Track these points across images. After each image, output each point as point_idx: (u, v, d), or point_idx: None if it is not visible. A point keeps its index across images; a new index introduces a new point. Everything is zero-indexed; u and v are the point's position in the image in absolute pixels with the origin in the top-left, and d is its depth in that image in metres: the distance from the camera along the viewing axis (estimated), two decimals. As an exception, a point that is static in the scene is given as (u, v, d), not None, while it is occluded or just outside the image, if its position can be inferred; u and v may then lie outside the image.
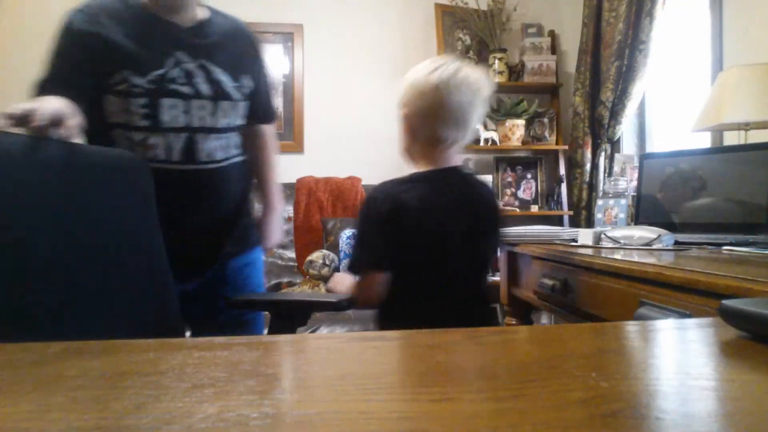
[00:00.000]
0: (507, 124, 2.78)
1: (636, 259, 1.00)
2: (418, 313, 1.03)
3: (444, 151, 1.07)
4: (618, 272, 0.95)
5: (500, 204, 1.17)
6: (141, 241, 0.92)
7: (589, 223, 2.62)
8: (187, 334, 1.16)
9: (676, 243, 1.26)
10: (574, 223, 2.79)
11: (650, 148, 2.64)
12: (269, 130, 1.31)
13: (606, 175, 2.60)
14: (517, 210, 2.86)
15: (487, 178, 2.91)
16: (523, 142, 2.83)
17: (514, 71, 2.95)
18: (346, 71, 2.95)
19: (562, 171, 2.90)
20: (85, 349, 0.37)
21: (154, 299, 0.93)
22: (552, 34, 3.03)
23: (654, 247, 1.20)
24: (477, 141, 2.81)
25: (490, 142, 2.77)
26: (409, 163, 1.13)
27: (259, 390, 0.28)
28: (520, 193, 2.99)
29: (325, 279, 2.38)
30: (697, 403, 0.27)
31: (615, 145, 2.65)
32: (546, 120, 2.95)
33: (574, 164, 2.78)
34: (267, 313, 1.22)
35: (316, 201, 2.73)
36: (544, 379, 0.30)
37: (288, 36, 2.86)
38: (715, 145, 1.94)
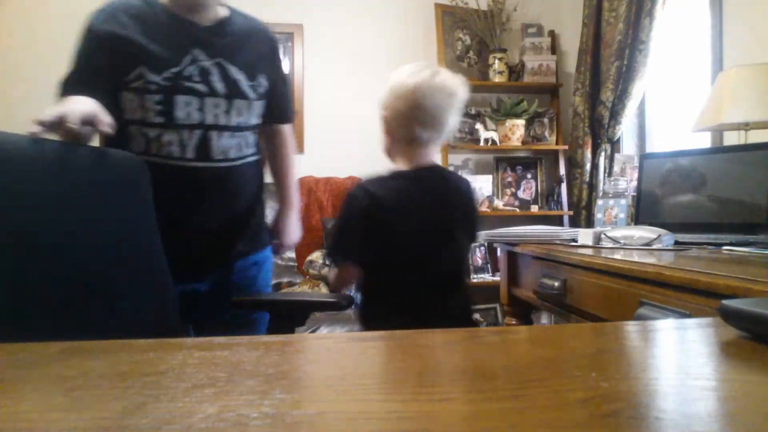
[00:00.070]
0: (507, 124, 2.78)
1: (636, 259, 1.00)
2: (397, 305, 1.08)
3: (421, 150, 1.13)
4: (618, 272, 0.95)
5: (477, 199, 1.23)
6: (140, 241, 0.92)
7: (589, 223, 2.62)
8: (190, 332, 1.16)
9: (676, 243, 1.26)
10: (574, 223, 2.79)
11: (650, 148, 2.64)
12: (287, 130, 1.33)
13: (606, 175, 2.59)
14: (517, 210, 2.86)
15: (487, 178, 2.91)
16: (523, 142, 2.83)
17: (514, 71, 2.95)
18: (345, 71, 2.95)
19: (562, 171, 2.90)
20: (85, 349, 0.37)
21: (154, 299, 0.93)
22: (552, 34, 3.03)
23: (654, 247, 1.20)
24: (477, 141, 2.81)
25: (490, 142, 2.77)
26: (390, 162, 1.18)
27: (259, 390, 0.28)
28: (520, 193, 2.99)
29: (325, 279, 2.38)
30: (697, 403, 0.27)
31: (615, 145, 2.65)
32: (546, 120, 2.95)
33: (574, 164, 2.78)
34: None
35: (316, 201, 2.73)
36: (544, 379, 0.30)
37: (288, 36, 2.86)
38: (715, 145, 1.94)
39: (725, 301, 0.39)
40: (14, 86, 2.67)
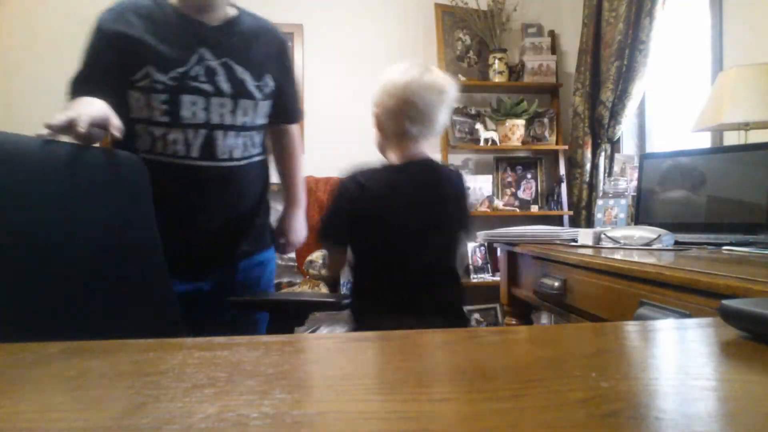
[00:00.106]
0: (507, 124, 2.78)
1: (636, 259, 1.00)
2: (385, 297, 1.12)
3: (411, 144, 1.16)
4: (618, 272, 0.95)
5: (469, 191, 1.26)
6: (139, 241, 0.92)
7: (589, 223, 2.62)
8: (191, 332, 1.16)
9: (676, 243, 1.26)
10: (574, 223, 2.79)
11: (650, 148, 2.64)
12: (295, 129, 1.34)
13: (606, 175, 2.59)
14: (517, 210, 2.86)
15: (487, 178, 2.91)
16: (523, 142, 2.83)
17: (514, 71, 2.95)
18: (345, 71, 2.95)
19: (562, 171, 2.90)
20: (85, 349, 0.37)
21: (153, 298, 0.93)
22: (552, 34, 3.03)
23: (654, 247, 1.20)
24: (477, 141, 2.81)
25: (490, 142, 2.77)
26: (383, 158, 1.22)
27: (259, 390, 0.28)
28: (520, 193, 2.99)
29: (325, 279, 2.38)
30: (697, 403, 0.27)
31: (615, 145, 2.65)
32: (546, 120, 2.95)
33: (574, 164, 2.78)
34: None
35: (316, 201, 2.73)
36: (544, 379, 0.30)
37: (288, 36, 2.86)
38: (715, 145, 1.94)
39: (725, 301, 0.39)
40: (14, 86, 2.67)
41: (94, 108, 0.86)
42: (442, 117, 1.16)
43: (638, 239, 1.24)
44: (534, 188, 3.00)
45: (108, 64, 1.04)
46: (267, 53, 1.18)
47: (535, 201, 2.98)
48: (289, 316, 1.13)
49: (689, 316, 0.75)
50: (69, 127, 0.79)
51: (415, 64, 1.15)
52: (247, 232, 1.20)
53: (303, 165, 1.38)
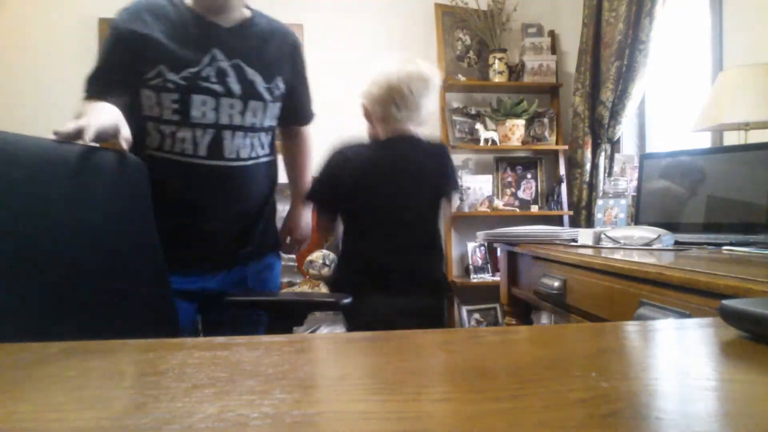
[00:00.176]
0: (507, 124, 2.78)
1: (636, 259, 1.00)
2: (363, 266, 1.19)
3: (397, 126, 1.22)
4: (618, 272, 0.95)
5: (453, 162, 1.35)
6: (138, 241, 0.92)
7: (589, 223, 2.62)
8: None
9: (676, 243, 1.26)
10: (574, 223, 2.79)
11: (650, 148, 2.64)
12: (307, 130, 1.36)
13: (606, 175, 2.59)
14: (517, 210, 2.86)
15: (487, 178, 2.91)
16: (523, 142, 2.83)
17: (514, 71, 2.95)
18: (345, 71, 2.95)
19: (562, 171, 2.90)
20: (85, 349, 0.37)
21: (151, 298, 0.93)
22: (552, 34, 3.03)
23: (654, 247, 1.20)
24: (477, 141, 2.81)
25: (490, 142, 2.77)
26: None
27: (259, 390, 0.28)
28: (520, 193, 2.99)
29: (325, 279, 2.38)
30: (697, 403, 0.27)
31: (615, 145, 2.65)
32: (546, 120, 2.95)
33: (574, 164, 2.78)
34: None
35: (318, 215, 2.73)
36: (544, 379, 0.30)
37: (288, 36, 2.86)
38: (715, 145, 1.94)
39: (725, 301, 0.39)
40: (14, 86, 2.67)
41: (104, 118, 0.88)
42: (428, 104, 1.23)
43: (638, 239, 1.24)
44: (534, 188, 3.00)
45: (122, 62, 1.06)
46: (279, 55, 1.19)
47: (535, 201, 2.98)
48: (288, 316, 1.13)
49: (689, 316, 0.75)
50: (76, 136, 0.81)
51: (401, 59, 1.24)
52: (252, 232, 1.21)
53: (312, 166, 1.39)
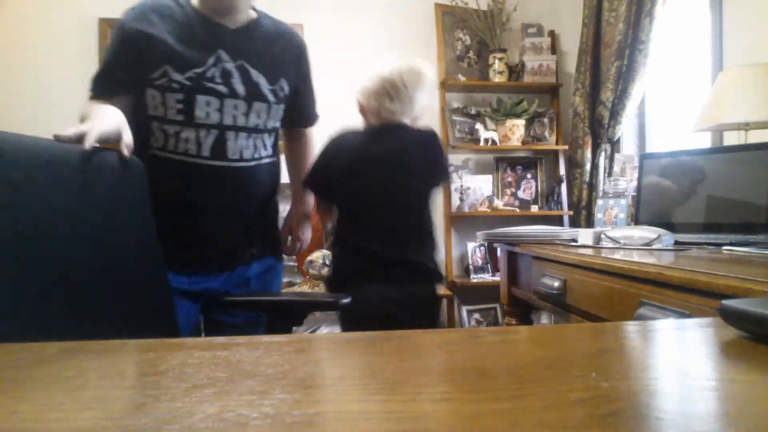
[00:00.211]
0: (507, 124, 2.78)
1: (636, 259, 1.00)
2: (357, 246, 1.22)
3: (390, 117, 1.25)
4: (618, 272, 0.95)
5: (443, 150, 1.35)
6: (136, 241, 0.92)
7: (589, 223, 2.62)
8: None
9: (676, 243, 1.26)
10: (574, 223, 2.79)
11: (650, 148, 2.64)
12: (309, 132, 1.37)
13: (606, 175, 2.59)
14: (517, 210, 2.86)
15: (487, 178, 2.91)
16: (523, 142, 2.83)
17: (514, 71, 2.95)
18: (345, 71, 2.95)
19: (562, 171, 2.90)
20: (85, 349, 0.37)
21: (150, 298, 0.93)
22: (552, 34, 3.03)
23: (654, 247, 1.20)
24: (477, 141, 2.81)
25: (490, 142, 2.77)
26: None
27: (259, 390, 0.28)
28: (520, 193, 2.99)
29: (325, 279, 2.38)
30: (697, 403, 0.27)
31: (615, 145, 2.65)
32: (546, 120, 2.95)
33: (574, 164, 2.78)
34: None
35: (317, 200, 2.73)
36: (544, 379, 0.30)
37: (288, 36, 2.86)
38: (715, 145, 1.94)
39: (725, 301, 0.39)
40: (14, 86, 2.67)
41: (107, 123, 0.89)
42: (422, 98, 1.26)
43: (638, 239, 1.24)
44: (534, 188, 3.00)
45: (128, 62, 1.06)
46: (284, 57, 1.20)
47: (535, 201, 2.98)
48: (287, 316, 1.13)
49: (689, 316, 0.75)
50: (77, 141, 0.82)
51: (396, 57, 1.29)
52: (255, 233, 1.22)
53: None
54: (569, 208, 2.83)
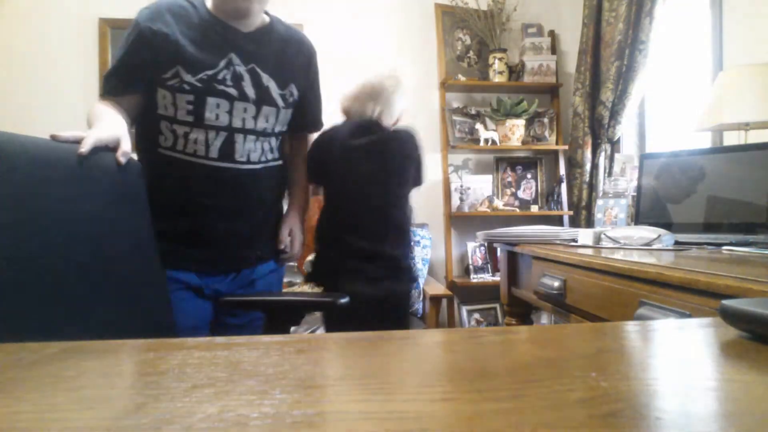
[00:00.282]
0: (507, 124, 2.78)
1: (636, 259, 1.00)
2: (338, 231, 1.27)
3: (372, 119, 1.31)
4: (618, 272, 0.95)
5: (421, 149, 1.39)
6: (134, 240, 0.92)
7: (589, 223, 2.62)
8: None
9: (676, 243, 1.26)
10: (574, 223, 2.79)
11: (650, 148, 2.64)
12: (311, 137, 1.37)
13: (606, 175, 2.60)
14: (517, 210, 2.86)
15: (487, 178, 2.91)
16: (523, 142, 2.83)
17: (514, 71, 2.95)
18: (345, 71, 2.95)
19: (562, 171, 2.91)
20: (85, 349, 0.37)
21: (147, 296, 0.93)
22: (552, 34, 3.03)
23: (654, 247, 1.20)
24: (477, 141, 2.81)
25: (490, 142, 2.78)
26: None
27: (259, 390, 0.28)
28: (520, 193, 2.99)
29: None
30: (697, 403, 0.27)
31: (615, 145, 2.65)
32: (546, 120, 2.95)
33: (574, 164, 2.78)
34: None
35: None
36: (544, 379, 0.30)
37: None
38: (715, 145, 1.94)
39: (725, 301, 0.39)
40: (14, 86, 2.66)
41: (105, 131, 0.89)
42: (400, 101, 1.34)
43: (638, 239, 1.24)
44: (534, 188, 3.00)
45: (141, 61, 1.06)
46: (294, 63, 1.21)
47: (535, 201, 2.98)
48: (284, 316, 1.14)
49: (689, 316, 0.75)
50: (74, 141, 0.82)
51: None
52: (261, 235, 1.22)
53: None
54: (569, 208, 2.83)
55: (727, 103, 1.55)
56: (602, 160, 2.62)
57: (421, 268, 2.57)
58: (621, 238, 1.28)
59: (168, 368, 0.32)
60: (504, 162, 3.00)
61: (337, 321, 1.24)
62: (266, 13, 1.20)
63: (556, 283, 1.22)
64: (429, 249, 2.69)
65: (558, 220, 2.91)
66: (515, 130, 2.79)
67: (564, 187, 2.86)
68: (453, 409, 0.26)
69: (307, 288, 2.41)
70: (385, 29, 2.96)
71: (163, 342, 0.39)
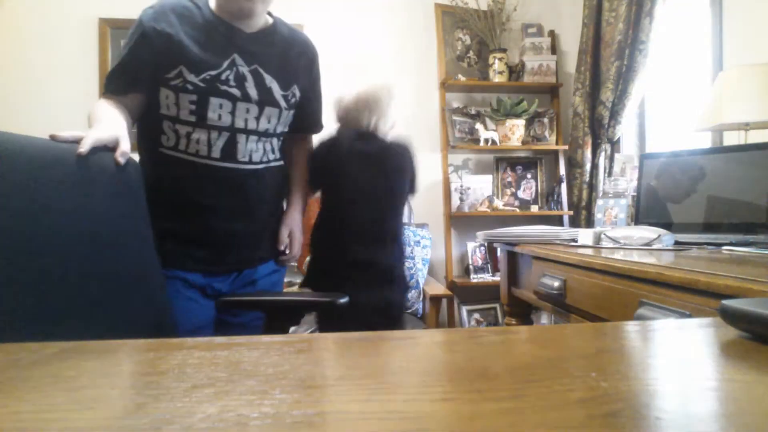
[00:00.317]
0: (507, 124, 2.78)
1: (636, 259, 1.00)
2: (335, 238, 1.28)
3: (368, 130, 1.32)
4: (618, 272, 0.95)
5: (416, 165, 1.41)
6: (133, 240, 0.92)
7: (589, 223, 2.62)
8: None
9: (676, 243, 1.26)
10: (574, 223, 2.79)
11: (650, 148, 2.64)
12: (311, 139, 1.38)
13: (606, 175, 2.60)
14: (517, 210, 2.86)
15: (487, 178, 2.91)
16: (523, 142, 2.83)
17: (514, 71, 2.95)
18: (345, 71, 2.95)
19: (562, 171, 2.91)
20: (85, 349, 0.37)
21: (145, 299, 0.93)
22: (552, 34, 3.03)
23: (654, 247, 1.20)
24: (477, 141, 2.81)
25: (490, 142, 2.78)
26: None
27: (259, 390, 0.28)
28: (520, 193, 2.99)
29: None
30: (697, 403, 0.27)
31: (615, 145, 2.65)
32: (546, 120, 2.95)
33: (574, 164, 2.78)
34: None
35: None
36: (544, 379, 0.30)
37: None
38: (715, 145, 1.94)
39: (725, 301, 0.39)
40: (13, 86, 2.67)
41: (104, 132, 0.89)
42: (391, 113, 1.35)
43: (638, 239, 1.24)
44: (534, 188, 3.00)
45: (145, 60, 1.06)
46: (297, 64, 1.21)
47: (535, 201, 2.98)
48: (283, 316, 1.14)
49: (689, 316, 0.75)
50: (72, 141, 0.82)
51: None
52: (262, 235, 1.23)
53: None
54: (569, 208, 2.83)
55: (727, 103, 1.55)
56: (602, 160, 2.62)
57: (421, 268, 2.57)
58: (621, 238, 1.28)
59: (168, 368, 0.32)
60: (504, 162, 3.01)
61: (329, 327, 1.24)
62: (269, 14, 1.20)
63: (556, 283, 1.22)
64: (429, 249, 2.69)
65: (558, 220, 2.91)
66: (515, 130, 2.79)
67: (564, 187, 2.86)
68: (453, 409, 0.26)
69: (307, 288, 2.41)
70: (385, 29, 2.96)
71: (163, 342, 0.39)
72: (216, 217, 1.13)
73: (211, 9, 1.11)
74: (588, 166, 2.70)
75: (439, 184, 2.93)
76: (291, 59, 1.19)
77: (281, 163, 1.24)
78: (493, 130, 2.83)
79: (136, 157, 1.01)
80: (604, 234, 1.33)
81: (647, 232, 1.24)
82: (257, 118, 1.13)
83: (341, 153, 1.29)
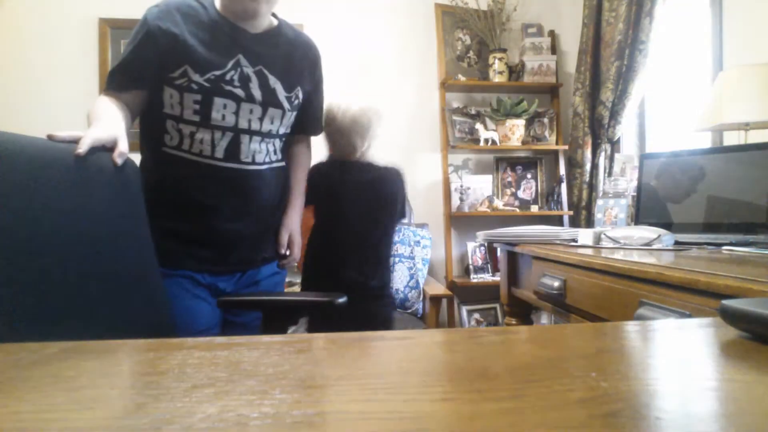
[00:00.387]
0: (507, 124, 2.78)
1: (636, 259, 1.00)
2: (328, 258, 1.32)
3: (356, 155, 1.36)
4: (618, 272, 0.95)
5: (405, 190, 1.45)
6: (132, 239, 0.92)
7: (589, 223, 2.62)
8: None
9: (676, 243, 1.26)
10: (574, 223, 2.79)
11: (650, 148, 2.64)
12: (310, 140, 1.39)
13: (606, 175, 2.60)
14: (517, 210, 2.86)
15: (487, 178, 2.92)
16: (523, 142, 2.83)
17: (514, 71, 2.95)
18: (345, 71, 2.96)
19: (562, 171, 2.91)
20: (85, 349, 0.37)
21: (144, 294, 0.93)
22: (552, 34, 3.03)
23: (654, 247, 1.20)
24: (477, 141, 2.81)
25: (490, 142, 2.78)
26: None
27: (259, 390, 0.28)
28: (520, 193, 2.99)
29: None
30: (697, 403, 0.27)
31: (615, 145, 2.65)
32: (546, 120, 2.95)
33: (574, 164, 2.78)
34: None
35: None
36: (544, 379, 0.30)
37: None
38: (715, 145, 1.94)
39: (725, 301, 0.39)
40: (13, 86, 2.67)
41: (103, 131, 0.89)
42: (377, 133, 1.39)
43: (638, 239, 1.24)
44: (534, 188, 3.00)
45: (148, 58, 1.06)
46: (301, 66, 1.21)
47: (535, 201, 2.98)
48: (282, 316, 1.14)
49: (689, 316, 0.75)
50: (70, 141, 0.82)
51: (346, 99, 1.39)
52: (265, 236, 1.23)
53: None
54: (569, 208, 2.83)
55: (727, 103, 1.55)
56: (602, 160, 2.62)
57: (421, 268, 2.57)
58: (621, 238, 1.28)
59: (168, 368, 0.32)
60: (504, 162, 3.01)
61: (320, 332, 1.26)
62: (274, 15, 1.20)
63: (556, 283, 1.22)
64: (429, 249, 2.69)
65: (558, 220, 2.91)
66: (515, 130, 2.79)
67: (564, 187, 2.87)
68: (453, 409, 0.26)
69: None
70: (386, 29, 2.96)
71: (163, 342, 0.39)
72: (218, 217, 1.13)
73: (217, 9, 1.11)
74: (588, 166, 2.70)
75: (439, 184, 2.93)
76: (295, 61, 1.19)
77: (283, 164, 1.25)
78: (493, 130, 2.83)
79: (136, 156, 1.01)
80: (604, 234, 1.33)
81: (647, 232, 1.24)
82: (261, 119, 1.13)
83: (334, 183, 1.33)
